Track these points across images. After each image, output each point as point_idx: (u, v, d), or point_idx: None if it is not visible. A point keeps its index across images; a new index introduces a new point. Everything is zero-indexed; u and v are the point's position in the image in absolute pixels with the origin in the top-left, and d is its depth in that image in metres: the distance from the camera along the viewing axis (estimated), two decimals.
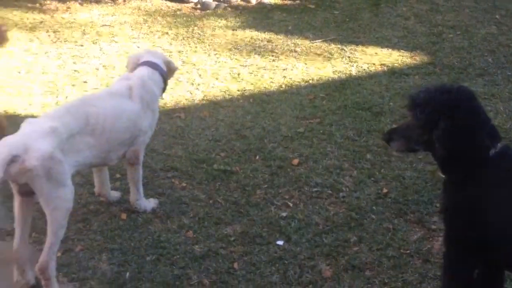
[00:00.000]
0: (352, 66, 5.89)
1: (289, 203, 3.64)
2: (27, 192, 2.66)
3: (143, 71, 3.40)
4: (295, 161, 4.11)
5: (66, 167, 2.71)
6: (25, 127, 2.73)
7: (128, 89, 3.24)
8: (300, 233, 3.35)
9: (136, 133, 3.27)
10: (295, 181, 3.88)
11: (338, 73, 5.72)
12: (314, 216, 3.52)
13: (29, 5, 7.52)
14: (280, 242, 3.27)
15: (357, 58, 6.08)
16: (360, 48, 6.31)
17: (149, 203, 3.52)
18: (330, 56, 6.14)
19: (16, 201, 2.74)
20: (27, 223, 2.78)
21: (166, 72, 3.53)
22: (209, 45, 6.43)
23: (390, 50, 6.25)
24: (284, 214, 3.52)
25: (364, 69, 5.81)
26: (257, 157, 4.17)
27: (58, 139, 2.69)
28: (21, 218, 2.75)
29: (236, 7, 7.93)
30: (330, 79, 5.59)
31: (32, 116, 4.55)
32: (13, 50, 5.87)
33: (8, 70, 5.45)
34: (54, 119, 2.79)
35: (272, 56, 6.15)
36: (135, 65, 3.47)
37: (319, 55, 6.21)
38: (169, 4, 8.03)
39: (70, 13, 7.36)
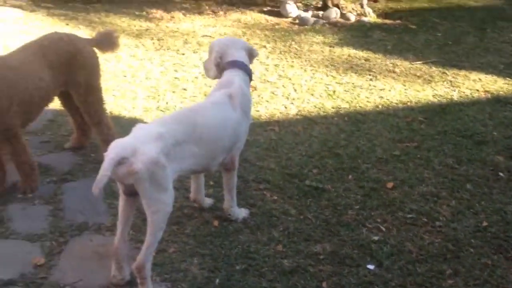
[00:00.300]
0: (454, 90, 5.70)
1: (382, 227, 3.55)
2: (132, 193, 2.75)
3: (237, 76, 3.36)
4: (390, 185, 4.01)
5: (169, 173, 2.78)
6: (135, 131, 2.83)
7: (230, 98, 3.28)
8: (392, 259, 3.25)
9: (236, 140, 3.32)
10: (388, 205, 3.78)
11: (439, 97, 5.55)
12: (407, 243, 3.41)
13: (137, 13, 7.90)
14: (371, 266, 3.19)
15: (459, 83, 5.87)
16: (462, 72, 6.10)
17: (241, 212, 3.55)
18: (431, 79, 5.98)
19: (121, 200, 2.85)
20: (128, 221, 2.88)
21: (251, 71, 3.51)
22: (305, 60, 6.45)
23: (495, 76, 6.00)
24: (376, 238, 3.43)
25: (467, 95, 5.60)
26: (350, 176, 4.11)
27: (164, 145, 2.77)
28: (124, 216, 2.85)
29: (334, 24, 7.93)
30: (429, 102, 5.44)
31: (135, 119, 4.79)
32: (120, 55, 6.17)
33: (115, 73, 5.73)
34: (162, 125, 2.88)
35: (370, 75, 6.07)
36: (219, 58, 3.41)
37: (418, 77, 6.07)
38: (268, 18, 8.16)
39: (174, 22, 7.65)
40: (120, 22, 7.43)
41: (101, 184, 2.52)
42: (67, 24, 7.11)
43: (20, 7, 7.60)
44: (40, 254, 3.08)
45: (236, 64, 3.39)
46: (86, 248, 3.16)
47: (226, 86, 3.33)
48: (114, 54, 6.13)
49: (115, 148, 2.65)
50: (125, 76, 5.70)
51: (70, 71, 3.75)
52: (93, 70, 3.89)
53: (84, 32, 6.85)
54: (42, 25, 6.96)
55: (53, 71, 3.66)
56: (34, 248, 3.12)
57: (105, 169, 2.54)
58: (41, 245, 3.15)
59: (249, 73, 3.44)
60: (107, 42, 4.03)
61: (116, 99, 5.16)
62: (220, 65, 3.42)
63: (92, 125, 4.00)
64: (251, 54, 3.55)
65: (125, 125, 4.54)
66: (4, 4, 7.69)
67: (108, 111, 4.88)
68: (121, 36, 6.76)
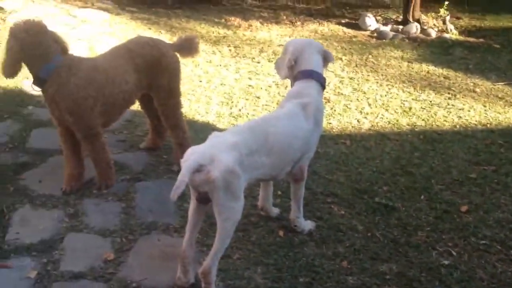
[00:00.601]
0: None
1: (453, 252, 3.42)
2: (205, 199, 2.79)
3: (312, 88, 3.30)
4: (464, 208, 3.86)
5: (242, 182, 2.81)
6: (211, 139, 2.87)
7: (303, 109, 3.25)
8: (461, 285, 3.12)
9: (306, 150, 3.30)
10: (461, 229, 3.64)
11: None
12: (478, 270, 3.27)
13: (216, 20, 8.05)
14: None
15: None
16: None
17: (307, 224, 3.52)
18: None
19: (192, 206, 2.89)
20: (197, 226, 2.92)
21: (325, 80, 3.42)
22: (382, 75, 6.34)
23: None
24: (446, 262, 3.31)
25: None
26: (422, 197, 4.00)
27: (239, 154, 2.79)
28: (193, 221, 2.89)
29: (414, 39, 7.76)
30: (511, 126, 5.21)
31: (208, 124, 4.87)
32: (198, 60, 6.30)
33: (191, 78, 5.85)
34: (237, 135, 2.90)
35: (448, 93, 5.89)
36: (293, 61, 3.33)
37: (500, 98, 5.83)
38: (346, 30, 8.10)
39: (251, 30, 7.73)
40: (200, 28, 7.59)
41: (180, 190, 2.56)
42: (150, 28, 7.34)
43: (106, 9, 7.91)
44: (110, 249, 3.18)
45: (311, 75, 3.34)
46: (153, 247, 3.22)
47: (299, 97, 3.29)
48: (192, 59, 6.29)
49: (193, 155, 2.69)
50: (200, 81, 5.82)
51: (154, 75, 3.86)
52: (175, 74, 3.99)
53: (165, 36, 7.05)
54: (126, 28, 7.23)
55: (138, 74, 3.78)
56: (105, 243, 3.23)
57: (183, 175, 2.59)
58: (111, 241, 3.25)
59: (322, 83, 3.39)
60: (188, 47, 4.11)
61: (191, 103, 5.27)
62: (294, 69, 3.36)
63: (169, 128, 4.09)
64: (326, 59, 3.46)
65: (198, 130, 4.64)
66: (91, 6, 8.04)
67: (183, 114, 5.01)
68: (200, 42, 6.94)
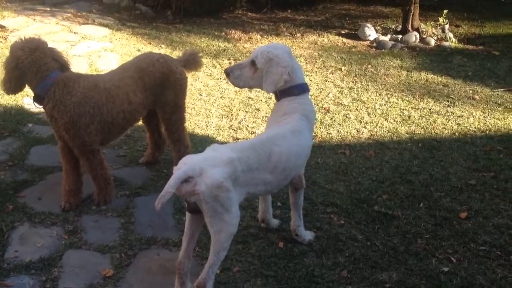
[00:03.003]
0: None
1: (452, 258, 3.42)
2: (195, 210, 2.81)
3: (307, 100, 3.27)
4: (463, 215, 3.86)
5: (234, 196, 2.80)
6: (208, 152, 2.88)
7: (307, 122, 3.23)
8: None
9: (305, 161, 3.32)
10: (460, 236, 3.64)
11: None
12: (478, 276, 3.27)
13: (216, 33, 8.10)
14: None
15: None
16: None
17: (307, 234, 3.53)
18: None
19: (187, 216, 2.91)
20: (194, 238, 2.93)
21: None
22: (381, 84, 6.36)
23: None
24: (445, 269, 3.31)
25: None
26: (421, 204, 4.00)
27: (232, 170, 2.79)
28: (189, 232, 2.90)
29: (413, 48, 7.78)
30: (510, 131, 5.21)
31: (208, 137, 4.90)
32: (198, 74, 6.34)
33: (191, 91, 5.89)
34: (236, 151, 2.88)
35: (447, 101, 5.90)
36: (287, 75, 3.14)
37: (499, 105, 5.83)
38: (345, 40, 8.13)
39: (251, 43, 7.77)
40: (200, 42, 7.64)
41: (164, 200, 2.58)
42: (150, 43, 7.40)
43: (107, 25, 7.98)
44: (109, 265, 3.20)
45: (303, 88, 3.26)
46: (153, 262, 3.24)
47: (296, 112, 3.20)
48: (192, 73, 6.34)
49: (184, 165, 2.71)
50: (200, 95, 5.85)
51: (161, 91, 3.90)
52: (181, 90, 4.02)
53: (165, 50, 7.11)
54: (127, 43, 7.28)
55: (146, 92, 3.81)
56: (104, 259, 3.24)
57: (170, 186, 2.61)
58: (110, 257, 3.27)
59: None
60: (193, 61, 4.18)
61: (191, 116, 5.30)
62: (287, 82, 3.17)
63: (171, 142, 4.11)
64: None
65: (198, 143, 4.67)
66: (92, 22, 8.11)
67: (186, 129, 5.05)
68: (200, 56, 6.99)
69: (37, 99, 3.57)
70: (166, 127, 4.05)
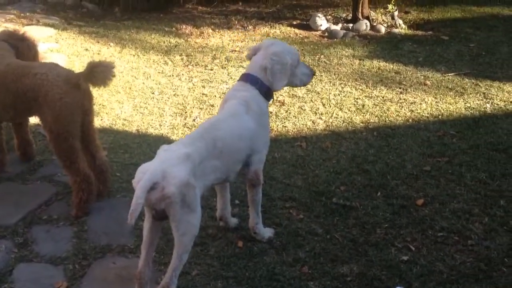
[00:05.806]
0: (487, 103, 5.53)
1: (411, 246, 3.44)
2: (162, 217, 2.73)
3: (252, 91, 3.30)
4: (420, 202, 3.90)
5: (198, 192, 2.76)
6: (160, 154, 2.80)
7: (246, 107, 3.20)
8: (421, 280, 3.14)
9: (254, 149, 3.25)
10: (418, 223, 3.67)
11: (471, 109, 5.41)
12: (438, 263, 3.29)
13: (166, 29, 7.95)
14: None
15: (493, 94, 5.71)
16: (496, 84, 5.93)
17: (266, 232, 3.49)
18: (463, 91, 5.83)
19: (147, 224, 2.81)
20: (153, 245, 2.85)
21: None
22: (334, 74, 6.37)
23: None
24: (405, 258, 3.33)
25: (501, 107, 5.43)
26: (379, 193, 4.01)
27: (192, 165, 2.74)
28: (149, 240, 2.82)
29: (364, 36, 7.82)
30: (461, 115, 5.29)
31: (162, 137, 4.79)
32: (149, 72, 6.20)
33: (143, 90, 5.75)
34: (188, 145, 2.84)
35: (400, 88, 5.95)
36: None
37: (450, 89, 5.92)
38: (297, 31, 8.11)
39: (203, 38, 7.67)
40: (150, 38, 7.48)
41: (136, 214, 2.50)
42: (98, 42, 7.20)
43: (52, 25, 7.73)
44: (62, 277, 3.08)
45: (255, 81, 3.34)
46: (109, 271, 3.14)
47: (234, 98, 3.26)
48: (143, 71, 6.20)
49: (144, 174, 2.61)
50: (153, 93, 5.73)
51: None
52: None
53: (114, 48, 6.93)
54: (73, 43, 7.06)
55: None
56: (57, 272, 3.12)
57: (138, 197, 2.52)
58: (64, 268, 3.15)
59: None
60: (100, 75, 3.48)
61: (144, 116, 5.18)
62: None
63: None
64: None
65: (152, 143, 4.56)
66: (37, 23, 7.84)
67: (135, 128, 4.93)
68: (150, 53, 6.86)
69: None
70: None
